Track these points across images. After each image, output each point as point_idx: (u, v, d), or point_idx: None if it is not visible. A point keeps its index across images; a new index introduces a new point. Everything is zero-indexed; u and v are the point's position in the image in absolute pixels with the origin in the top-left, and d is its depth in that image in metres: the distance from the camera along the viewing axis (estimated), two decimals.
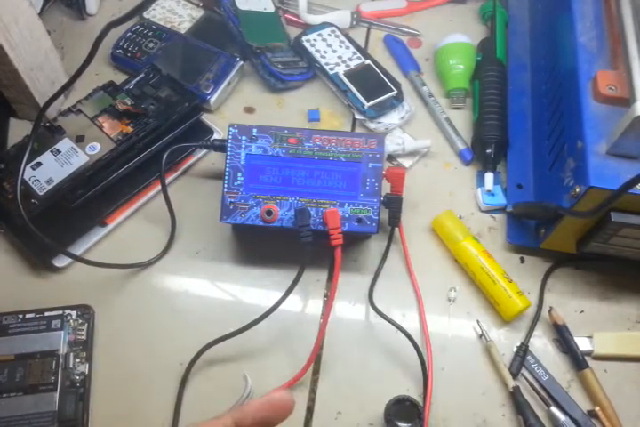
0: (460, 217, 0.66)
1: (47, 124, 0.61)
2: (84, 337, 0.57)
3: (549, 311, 0.60)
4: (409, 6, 0.82)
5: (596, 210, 0.49)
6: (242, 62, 0.73)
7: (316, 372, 0.57)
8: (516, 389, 0.55)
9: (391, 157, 0.69)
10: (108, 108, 0.63)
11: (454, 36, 0.75)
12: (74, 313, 0.57)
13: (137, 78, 0.65)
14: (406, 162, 0.69)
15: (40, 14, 0.71)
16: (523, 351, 0.58)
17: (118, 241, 0.63)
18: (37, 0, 0.74)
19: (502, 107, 0.70)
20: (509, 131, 0.69)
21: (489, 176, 0.66)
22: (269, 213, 0.57)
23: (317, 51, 0.73)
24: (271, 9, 0.77)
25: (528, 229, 0.64)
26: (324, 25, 0.76)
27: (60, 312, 0.57)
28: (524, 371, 0.57)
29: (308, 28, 0.76)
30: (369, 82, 0.71)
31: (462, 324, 0.60)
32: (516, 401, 0.55)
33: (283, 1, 0.81)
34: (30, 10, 0.62)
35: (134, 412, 0.55)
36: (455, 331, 0.60)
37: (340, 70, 0.71)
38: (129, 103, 0.63)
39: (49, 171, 0.59)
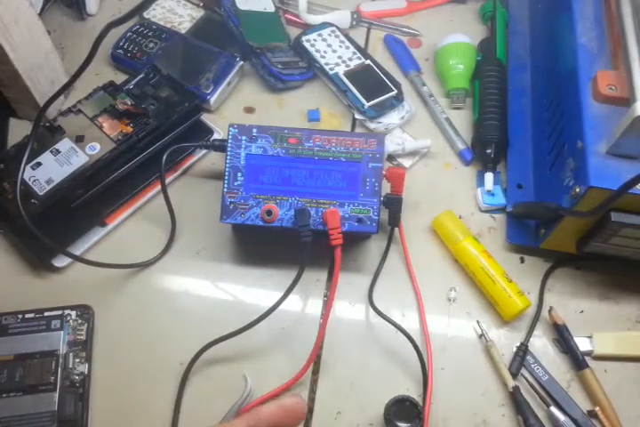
0: (460, 217, 0.66)
1: (47, 124, 0.61)
2: (83, 337, 0.57)
3: (549, 311, 0.60)
4: (409, 6, 0.82)
5: (596, 210, 0.49)
6: (242, 62, 0.73)
7: (315, 372, 0.57)
8: (516, 389, 0.55)
9: (391, 157, 0.69)
10: (107, 108, 0.63)
11: (454, 36, 0.75)
12: (73, 313, 0.57)
13: (137, 78, 0.65)
14: (406, 162, 0.69)
15: (40, 14, 0.71)
16: (522, 351, 0.58)
17: (118, 241, 0.63)
18: (37, 0, 0.74)
19: (502, 107, 0.70)
20: (509, 131, 0.69)
21: (489, 176, 0.66)
22: (269, 213, 0.57)
23: (317, 51, 0.73)
24: (271, 9, 0.77)
25: (528, 229, 0.64)
26: (324, 25, 0.76)
27: (60, 312, 0.57)
28: (523, 371, 0.57)
29: (308, 28, 0.76)
30: (369, 82, 0.71)
31: (462, 324, 0.60)
32: (516, 401, 0.55)
33: (283, 1, 0.81)
34: (30, 10, 0.62)
35: (134, 412, 0.55)
36: (455, 331, 0.60)
37: (340, 70, 0.71)
38: (129, 103, 0.63)
39: (49, 171, 0.59)
